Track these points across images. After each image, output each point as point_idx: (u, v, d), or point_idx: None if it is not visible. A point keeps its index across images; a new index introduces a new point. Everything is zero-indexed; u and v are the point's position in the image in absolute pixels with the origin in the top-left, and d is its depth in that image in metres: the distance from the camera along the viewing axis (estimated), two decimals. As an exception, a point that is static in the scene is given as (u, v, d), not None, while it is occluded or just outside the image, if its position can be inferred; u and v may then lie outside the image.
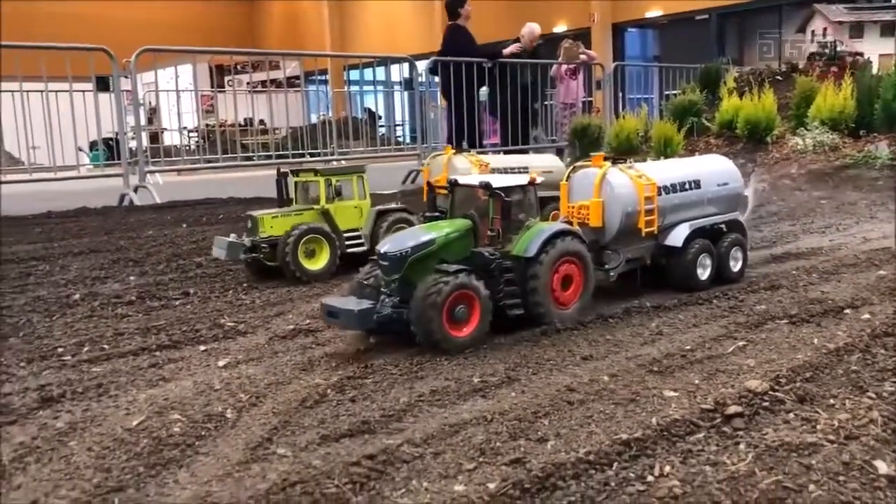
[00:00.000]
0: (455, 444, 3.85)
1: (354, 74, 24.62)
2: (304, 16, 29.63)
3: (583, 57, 14.61)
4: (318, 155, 16.51)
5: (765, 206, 10.29)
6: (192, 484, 3.57)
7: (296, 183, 8.20)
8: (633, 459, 3.63)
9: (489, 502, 3.29)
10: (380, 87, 22.31)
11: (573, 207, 6.48)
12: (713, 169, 7.16)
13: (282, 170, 8.32)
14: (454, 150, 9.53)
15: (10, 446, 4.00)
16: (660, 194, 6.42)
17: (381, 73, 21.94)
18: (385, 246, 5.42)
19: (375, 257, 5.51)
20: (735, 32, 18.93)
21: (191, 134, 21.04)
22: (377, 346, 5.41)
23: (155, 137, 19.99)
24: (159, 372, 5.16)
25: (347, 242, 7.73)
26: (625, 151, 12.55)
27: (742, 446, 3.70)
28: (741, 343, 5.18)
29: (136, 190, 13.15)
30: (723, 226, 7.01)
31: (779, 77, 14.68)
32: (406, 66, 22.96)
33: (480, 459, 3.68)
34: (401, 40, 24.15)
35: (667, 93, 16.37)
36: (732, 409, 4.04)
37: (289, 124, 16.88)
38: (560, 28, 21.21)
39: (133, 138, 14.90)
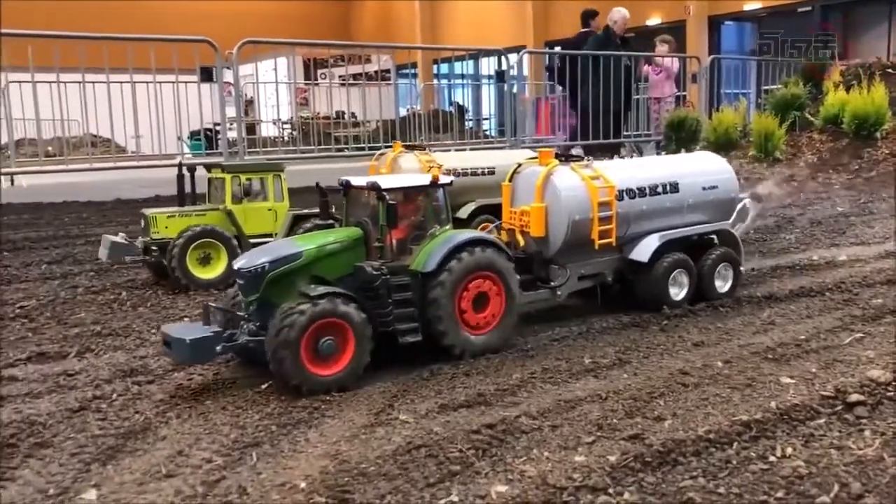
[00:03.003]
0: (572, 419, 3.94)
1: (443, 69, 24.86)
2: (396, 13, 30.11)
3: (664, 64, 14.42)
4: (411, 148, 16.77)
5: (871, 201, 9.91)
6: (321, 443, 3.77)
7: (209, 180, 7.40)
8: (753, 440, 3.64)
9: (610, 472, 3.36)
10: (468, 81, 22.45)
11: (515, 213, 5.54)
12: (698, 170, 6.07)
13: (183, 163, 7.47)
14: (403, 147, 8.18)
15: (152, 402, 4.30)
16: (620, 199, 5.44)
17: (469, 67, 22.08)
18: (241, 261, 4.62)
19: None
20: (840, 24, 18.22)
21: (284, 125, 21.67)
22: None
23: (251, 129, 20.66)
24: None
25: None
26: (723, 146, 12.31)
27: (867, 433, 3.66)
28: (858, 335, 5.07)
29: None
30: (713, 237, 6.00)
31: (889, 70, 14.08)
32: (494, 59, 23.04)
33: (598, 434, 3.75)
34: (491, 35, 24.22)
35: (765, 87, 15.92)
36: (854, 398, 3.98)
37: (381, 117, 17.17)
38: (654, 21, 20.84)
39: (231, 128, 15.47)
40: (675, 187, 5.76)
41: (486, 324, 4.90)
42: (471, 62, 21.51)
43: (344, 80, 20.28)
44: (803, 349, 4.83)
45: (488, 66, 22.83)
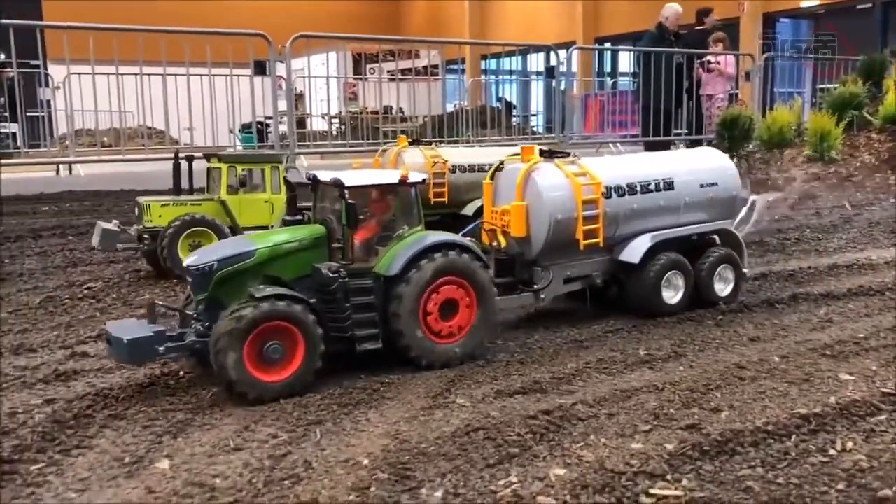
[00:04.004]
0: (628, 408, 3.98)
1: (491, 65, 24.92)
2: (445, 11, 30.25)
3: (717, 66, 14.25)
4: (457, 143, 16.84)
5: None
6: (382, 423, 3.87)
7: (208, 169, 7.33)
8: (812, 434, 3.64)
9: (668, 460, 3.40)
10: (516, 77, 22.48)
11: (496, 213, 5.32)
12: (696, 166, 5.76)
13: (180, 153, 7.41)
14: (409, 141, 8.01)
15: (217, 380, 4.44)
16: (609, 197, 5.18)
17: (517, 63, 22.07)
18: (190, 258, 4.43)
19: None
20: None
21: (333, 120, 21.88)
22: (539, 318, 5.58)
23: (300, 122, 20.94)
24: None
25: None
26: (776, 145, 12.15)
27: (931, 431, 3.63)
28: (920, 334, 5.01)
29: (286, 170, 13.94)
30: (714, 237, 5.72)
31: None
32: (542, 56, 22.99)
33: (655, 423, 3.79)
34: (540, 32, 24.19)
35: (820, 86, 15.63)
36: (917, 395, 3.94)
37: (431, 112, 17.26)
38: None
39: (282, 122, 15.74)
40: (669, 184, 5.46)
41: (454, 333, 4.59)
42: (519, 58, 21.49)
43: (393, 75, 20.41)
44: (862, 347, 4.79)
45: (536, 62, 22.80)
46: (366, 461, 3.44)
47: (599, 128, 17.71)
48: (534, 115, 21.74)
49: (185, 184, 7.31)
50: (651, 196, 5.38)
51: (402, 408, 4.04)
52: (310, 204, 4.90)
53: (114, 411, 4.04)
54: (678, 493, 3.15)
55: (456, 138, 17.32)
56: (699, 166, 5.79)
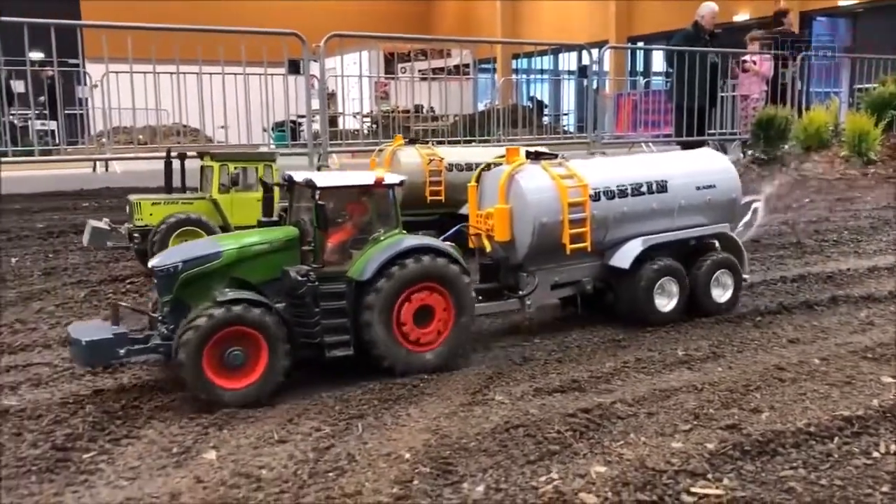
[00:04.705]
0: (667, 407, 3.99)
1: (522, 64, 24.89)
2: (477, 11, 30.30)
3: (753, 66, 14.11)
4: (487, 142, 16.86)
5: None
6: (422, 418, 3.92)
7: (201, 168, 7.25)
8: (855, 436, 3.62)
9: (709, 459, 3.41)
10: (547, 76, 22.40)
11: (481, 216, 5.16)
12: (692, 168, 5.54)
13: (172, 151, 7.34)
14: (405, 140, 7.93)
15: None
16: (597, 199, 5.00)
17: (548, 62, 22.00)
18: (156, 259, 4.34)
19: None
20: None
21: (364, 118, 22.00)
22: (576, 317, 5.57)
23: (332, 121, 21.09)
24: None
25: None
26: (814, 146, 11.98)
27: (977, 434, 3.59)
28: (965, 338, 4.94)
29: (319, 169, 14.06)
30: (714, 241, 5.50)
31: None
32: (574, 55, 22.90)
33: (695, 422, 3.80)
34: (571, 31, 24.12)
35: (858, 86, 15.40)
36: (963, 399, 3.90)
37: (462, 111, 17.31)
38: (742, 17, 20.35)
39: (314, 121, 15.88)
40: (662, 187, 5.25)
41: (430, 341, 4.45)
42: (550, 57, 21.44)
43: (424, 74, 20.48)
44: (905, 350, 4.74)
45: (567, 61, 22.72)
46: (408, 455, 3.49)
47: (632, 127, 17.62)
48: (565, 114, 21.66)
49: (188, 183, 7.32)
50: (643, 199, 5.18)
51: (442, 404, 4.09)
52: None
53: (160, 403, 4.14)
54: (719, 491, 3.16)
55: (487, 137, 17.32)
56: (696, 168, 5.57)
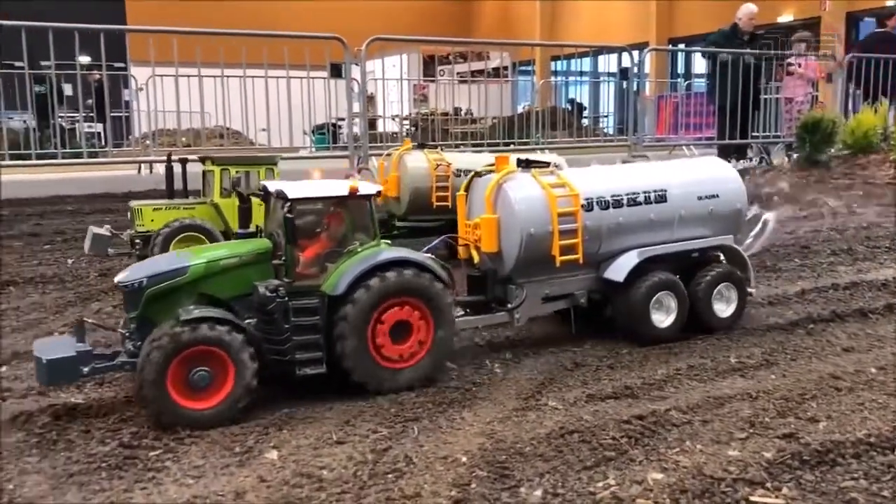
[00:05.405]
0: (722, 415, 3.98)
1: (561, 66, 24.83)
2: (516, 12, 30.29)
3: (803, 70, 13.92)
4: (526, 144, 16.86)
5: None
6: (476, 422, 3.97)
7: (203, 172, 7.20)
8: (917, 448, 3.58)
9: (767, 468, 3.40)
10: (587, 78, 22.33)
11: (469, 226, 4.98)
12: (694, 177, 5.31)
13: (173, 155, 7.28)
14: (414, 145, 7.83)
15: (317, 379, 4.60)
16: (589, 210, 4.82)
17: (587, 64, 21.93)
18: (122, 274, 4.19)
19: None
20: None
21: (403, 121, 22.13)
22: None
23: (371, 124, 21.24)
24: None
25: None
26: (861, 150, 11.80)
27: None
28: None
29: (359, 171, 14.19)
30: (719, 254, 5.29)
31: None
32: (613, 57, 22.81)
33: (751, 430, 3.79)
34: (611, 32, 24.01)
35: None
36: None
37: (500, 113, 17.32)
38: (786, 18, 20.05)
39: (354, 123, 16.04)
40: (661, 197, 5.03)
41: (408, 357, 4.29)
42: (590, 59, 21.37)
43: (462, 76, 20.55)
44: (967, 360, 4.67)
45: (607, 63, 22.65)
46: (464, 458, 3.54)
47: (673, 130, 17.47)
48: (604, 116, 21.57)
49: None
50: (639, 209, 4.98)
51: (495, 408, 4.13)
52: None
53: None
54: (779, 501, 3.16)
55: (525, 140, 17.34)
56: (697, 177, 5.33)
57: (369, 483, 3.35)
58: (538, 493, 3.27)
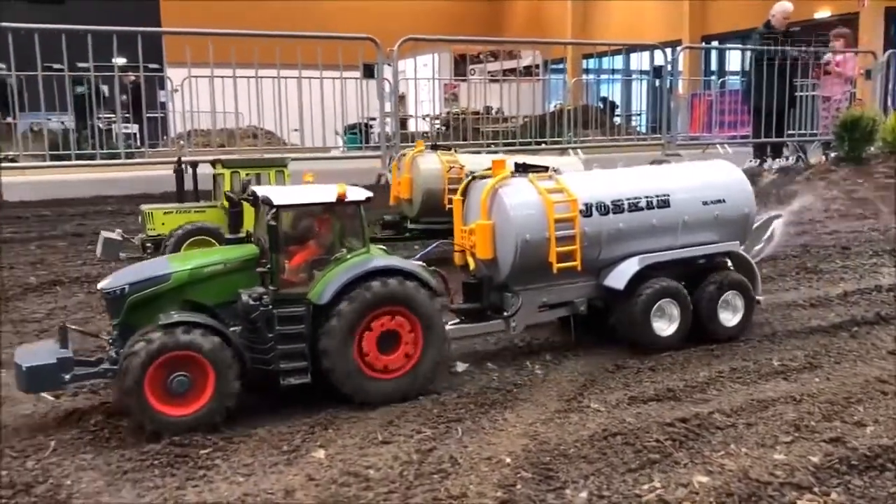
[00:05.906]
0: (766, 418, 3.96)
1: (593, 64, 24.71)
2: (547, 12, 30.23)
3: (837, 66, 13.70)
4: (558, 143, 16.80)
5: None
6: (519, 423, 3.99)
7: (213, 175, 7.13)
8: (968, 454, 3.53)
9: (814, 473, 3.38)
10: (619, 76, 22.19)
11: (465, 232, 4.88)
12: (699, 182, 5.17)
13: (182, 159, 7.24)
14: (427, 146, 7.78)
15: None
16: (588, 215, 4.70)
17: (619, 62, 21.80)
18: (105, 280, 4.18)
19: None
20: None
21: (434, 120, 22.16)
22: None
23: (402, 123, 21.32)
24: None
25: None
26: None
27: None
28: None
29: (391, 171, 14.29)
30: (724, 260, 5.13)
31: None
32: (646, 55, 22.61)
33: (796, 434, 3.77)
34: (643, 30, 23.84)
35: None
36: None
37: (532, 112, 17.28)
38: (822, 14, 19.74)
39: (385, 123, 16.15)
40: (664, 202, 4.90)
41: (396, 368, 4.20)
42: (622, 57, 21.24)
43: (493, 75, 20.53)
44: None
45: (639, 61, 22.47)
46: (508, 459, 3.56)
47: (706, 128, 17.32)
48: (637, 114, 21.44)
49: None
50: (641, 214, 4.84)
51: (537, 409, 4.15)
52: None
53: (268, 402, 4.30)
54: (828, 506, 3.14)
55: (557, 139, 17.28)
56: (703, 181, 5.19)
57: (415, 483, 3.39)
58: (584, 494, 3.29)
